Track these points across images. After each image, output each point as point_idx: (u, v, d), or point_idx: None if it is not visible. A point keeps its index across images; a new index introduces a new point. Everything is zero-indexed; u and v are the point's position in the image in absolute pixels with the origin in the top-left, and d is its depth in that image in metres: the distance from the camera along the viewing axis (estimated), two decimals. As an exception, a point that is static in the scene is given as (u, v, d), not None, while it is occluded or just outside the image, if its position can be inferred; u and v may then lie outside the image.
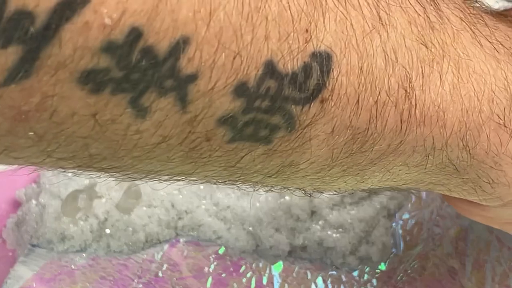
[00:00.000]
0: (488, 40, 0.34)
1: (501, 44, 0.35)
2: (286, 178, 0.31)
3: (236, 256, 0.50)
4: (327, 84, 0.28)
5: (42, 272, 0.49)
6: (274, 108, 0.28)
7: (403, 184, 0.35)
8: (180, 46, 0.25)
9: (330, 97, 0.29)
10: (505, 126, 0.34)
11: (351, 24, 0.29)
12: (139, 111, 0.25)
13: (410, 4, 0.31)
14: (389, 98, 0.30)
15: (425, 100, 0.31)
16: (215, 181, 0.31)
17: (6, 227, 0.51)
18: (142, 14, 0.24)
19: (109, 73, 0.24)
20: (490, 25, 0.35)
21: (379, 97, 0.30)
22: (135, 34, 0.24)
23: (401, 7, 0.31)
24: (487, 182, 0.35)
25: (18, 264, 0.49)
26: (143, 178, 0.29)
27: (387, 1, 0.30)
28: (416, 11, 0.31)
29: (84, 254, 0.49)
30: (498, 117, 0.34)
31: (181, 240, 0.50)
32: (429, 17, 0.32)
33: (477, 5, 0.36)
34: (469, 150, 0.34)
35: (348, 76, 0.29)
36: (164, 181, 0.30)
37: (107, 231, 0.50)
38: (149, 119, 0.26)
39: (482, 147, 0.34)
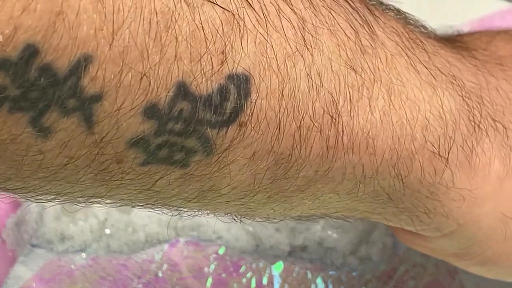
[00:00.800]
0: (425, 66, 0.33)
1: (440, 71, 0.34)
2: (207, 203, 0.30)
3: (236, 256, 0.50)
4: (245, 108, 0.27)
5: (42, 272, 0.49)
6: (189, 131, 0.27)
7: (335, 212, 0.34)
8: (81, 64, 0.24)
9: (249, 121, 0.28)
10: (439, 155, 0.33)
11: (272, 47, 0.28)
12: (40, 131, 0.24)
13: (340, 27, 0.30)
14: (314, 124, 0.29)
15: (353, 127, 0.30)
16: (133, 204, 0.30)
17: (6, 227, 0.51)
18: (37, 30, 0.23)
19: (5, 91, 0.23)
20: (430, 50, 0.34)
21: (302, 122, 0.29)
22: (31, 51, 0.23)
23: (330, 30, 0.30)
24: (423, 212, 0.34)
25: (18, 264, 0.49)
26: (54, 199, 0.28)
27: (314, 23, 0.29)
28: (346, 34, 0.30)
29: (84, 254, 0.49)
30: (433, 145, 0.33)
31: (181, 240, 0.50)
32: (360, 41, 0.31)
33: (420, 29, 0.35)
34: (402, 178, 0.32)
35: (268, 100, 0.28)
36: (80, 203, 0.29)
37: (107, 231, 0.49)
38: (52, 140, 0.25)
39: (416, 176, 0.33)
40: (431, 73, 0.33)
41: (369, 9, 0.32)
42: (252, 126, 0.28)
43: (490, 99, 0.35)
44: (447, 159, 0.33)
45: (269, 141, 0.29)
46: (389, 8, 0.35)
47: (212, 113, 0.27)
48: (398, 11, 0.35)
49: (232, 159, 0.28)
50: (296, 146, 0.29)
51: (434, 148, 0.33)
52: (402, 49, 0.32)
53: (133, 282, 0.48)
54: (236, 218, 0.34)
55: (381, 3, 0.35)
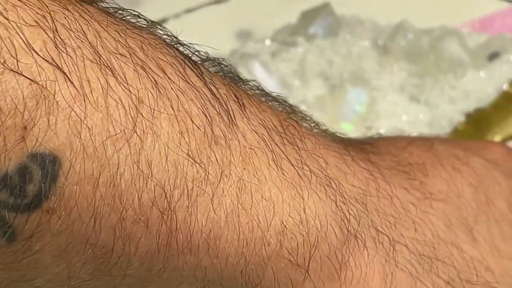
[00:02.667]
0: (292, 165, 0.30)
1: (312, 172, 0.30)
2: None
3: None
4: (51, 193, 0.24)
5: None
6: None
7: None
8: None
9: (57, 208, 0.25)
10: (298, 265, 0.29)
11: (89, 128, 0.25)
12: None
13: (188, 113, 0.27)
14: (140, 218, 0.26)
15: (191, 224, 0.27)
16: None
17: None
18: None
19: None
20: (307, 148, 0.31)
21: (125, 214, 0.26)
22: None
23: (174, 115, 0.27)
24: None
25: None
26: None
27: (152, 106, 0.26)
28: (194, 121, 0.27)
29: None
30: (290, 253, 0.29)
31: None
32: (212, 130, 0.28)
33: (308, 125, 0.33)
34: (253, 286, 0.29)
35: (81, 186, 0.25)
36: None
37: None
38: None
39: (269, 285, 0.29)
40: (298, 173, 0.30)
41: (238, 98, 0.30)
42: (61, 213, 0.25)
43: (379, 208, 0.32)
44: (307, 270, 0.29)
45: (84, 232, 0.25)
46: (276, 100, 0.33)
47: (9, 194, 0.24)
48: (284, 102, 0.33)
49: (40, 248, 0.25)
50: (118, 241, 0.26)
51: (291, 257, 0.29)
52: (267, 143, 0.29)
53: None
54: None
55: (267, 94, 0.33)
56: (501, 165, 0.36)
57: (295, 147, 0.31)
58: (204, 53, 0.33)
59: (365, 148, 0.35)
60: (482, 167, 0.35)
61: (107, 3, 0.29)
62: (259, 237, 0.28)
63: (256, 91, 0.32)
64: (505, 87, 0.58)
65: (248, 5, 0.67)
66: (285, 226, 0.29)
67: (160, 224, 0.26)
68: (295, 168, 0.30)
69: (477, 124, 0.56)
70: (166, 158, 0.26)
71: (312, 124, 0.34)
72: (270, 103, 0.32)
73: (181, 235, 0.27)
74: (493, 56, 0.57)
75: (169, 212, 0.27)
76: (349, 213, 0.31)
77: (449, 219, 0.33)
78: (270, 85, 0.53)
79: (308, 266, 0.29)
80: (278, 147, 0.30)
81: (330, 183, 0.31)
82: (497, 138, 0.55)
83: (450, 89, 0.56)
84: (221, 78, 0.31)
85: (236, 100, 0.30)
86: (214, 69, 0.32)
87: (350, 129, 0.52)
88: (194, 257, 0.27)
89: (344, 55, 0.57)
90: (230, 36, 0.65)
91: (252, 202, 0.28)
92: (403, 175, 0.34)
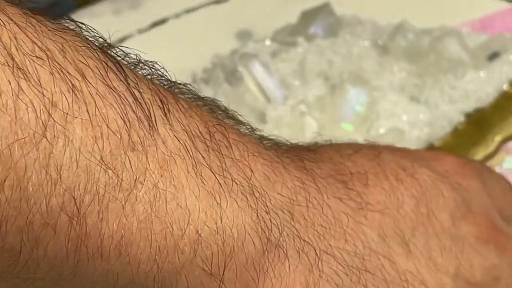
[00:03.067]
0: (214, 173, 0.30)
1: (234, 180, 0.30)
2: None
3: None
4: None
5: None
6: None
7: None
8: None
9: None
10: (212, 274, 0.29)
11: None
12: None
13: (104, 118, 0.27)
14: (48, 222, 0.26)
15: (101, 230, 0.27)
16: None
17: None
18: None
19: None
20: (234, 156, 0.31)
21: (32, 218, 0.26)
22: None
23: (89, 119, 0.27)
24: None
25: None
26: None
27: (66, 111, 0.26)
28: (110, 127, 0.27)
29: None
30: (204, 262, 0.29)
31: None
32: (130, 136, 0.28)
33: (242, 130, 0.33)
34: None
35: None
36: None
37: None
38: None
39: None
40: (219, 181, 0.29)
41: (163, 103, 0.30)
42: None
43: (307, 218, 0.32)
44: (222, 280, 0.29)
45: None
46: (210, 105, 0.33)
47: None
48: (218, 108, 0.33)
49: None
50: (25, 244, 0.26)
51: (205, 265, 0.29)
52: (188, 151, 0.29)
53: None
54: None
55: (201, 98, 0.33)
56: (449, 177, 0.36)
57: (220, 154, 0.30)
58: (135, 56, 0.32)
59: (304, 155, 0.34)
60: (428, 178, 0.35)
61: (33, 2, 0.28)
62: (173, 245, 0.28)
63: (188, 96, 0.32)
64: (505, 87, 0.58)
65: (248, 5, 0.67)
66: (200, 235, 0.28)
67: (69, 229, 0.26)
68: (216, 176, 0.30)
69: (477, 124, 0.56)
70: (77, 163, 0.26)
71: (247, 130, 0.34)
72: (202, 108, 0.32)
73: (91, 240, 0.27)
74: (493, 56, 0.57)
75: (79, 218, 0.26)
76: (271, 223, 0.30)
77: (384, 230, 0.33)
78: (270, 85, 0.53)
79: (223, 275, 0.29)
80: (201, 154, 0.30)
81: (254, 192, 0.30)
82: (497, 138, 0.55)
83: (450, 89, 0.56)
84: (149, 82, 0.30)
85: (160, 106, 0.29)
86: (144, 72, 0.32)
87: (350, 129, 0.52)
88: (105, 262, 0.27)
89: (344, 55, 0.57)
90: (230, 36, 0.65)
91: (167, 210, 0.28)
92: (339, 185, 0.33)
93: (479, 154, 0.54)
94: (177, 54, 0.63)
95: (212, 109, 0.33)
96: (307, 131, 0.51)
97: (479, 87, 0.57)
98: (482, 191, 0.36)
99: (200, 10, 0.67)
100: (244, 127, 0.34)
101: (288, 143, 0.35)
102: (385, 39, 0.58)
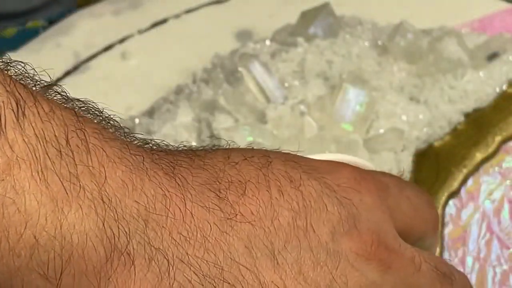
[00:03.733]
0: (62, 179, 0.29)
1: (83, 187, 0.30)
2: None
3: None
4: None
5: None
6: None
7: None
8: None
9: None
10: (48, 279, 0.29)
11: None
12: None
13: None
14: None
15: None
16: None
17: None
18: None
19: None
20: (90, 162, 0.30)
21: None
22: None
23: None
24: None
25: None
26: None
27: None
28: None
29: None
30: (40, 267, 0.29)
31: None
32: None
33: (118, 133, 0.33)
34: None
35: None
36: None
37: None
38: None
39: None
40: (65, 188, 0.29)
41: (19, 106, 0.29)
42: None
43: (165, 226, 0.32)
44: (59, 285, 0.29)
45: None
46: (80, 106, 0.33)
47: None
48: (88, 110, 0.33)
49: None
50: None
51: (41, 270, 0.29)
52: (36, 156, 0.29)
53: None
54: None
55: (70, 100, 0.32)
56: (339, 192, 0.35)
57: (72, 160, 0.30)
58: (7, 56, 0.32)
59: (179, 162, 0.33)
60: (313, 192, 0.34)
61: None
62: (8, 249, 0.28)
63: (57, 97, 0.32)
64: (505, 87, 0.58)
65: (248, 5, 0.67)
66: (37, 239, 0.29)
67: None
68: (62, 183, 0.29)
69: (477, 124, 0.56)
70: None
71: (120, 134, 0.33)
72: (68, 111, 0.32)
73: None
74: (493, 56, 0.57)
75: None
76: (120, 230, 0.30)
77: (252, 242, 0.32)
78: (270, 85, 0.53)
79: (60, 280, 0.29)
80: (50, 159, 0.29)
81: (103, 199, 0.30)
82: (498, 138, 0.55)
83: (450, 89, 0.56)
84: (10, 83, 0.30)
85: (15, 109, 0.29)
86: (13, 72, 0.31)
87: (349, 129, 0.52)
88: None
89: (343, 55, 0.57)
90: (230, 36, 0.65)
91: (4, 214, 0.28)
92: (211, 194, 0.33)
93: (479, 154, 0.54)
94: (177, 55, 0.64)
95: (83, 112, 0.32)
96: (307, 131, 0.51)
97: (479, 87, 0.57)
98: (376, 207, 0.35)
99: (200, 11, 0.67)
100: (117, 130, 0.34)
101: (169, 148, 0.35)
102: (385, 39, 0.58)
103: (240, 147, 0.37)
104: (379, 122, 0.54)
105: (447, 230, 0.50)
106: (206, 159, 0.34)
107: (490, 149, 0.54)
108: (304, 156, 0.38)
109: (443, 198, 0.52)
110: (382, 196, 0.36)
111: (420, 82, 0.56)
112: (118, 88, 0.61)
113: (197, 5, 0.67)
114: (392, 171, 0.51)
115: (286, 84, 0.54)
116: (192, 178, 0.33)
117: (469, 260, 0.49)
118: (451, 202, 0.52)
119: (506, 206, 0.51)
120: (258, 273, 0.32)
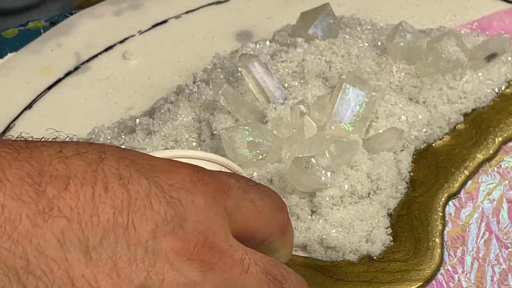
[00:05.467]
0: None
1: None
2: None
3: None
4: None
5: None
6: None
7: None
8: None
9: None
10: None
11: None
12: None
13: None
14: None
15: None
16: None
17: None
18: None
19: None
20: None
21: None
22: None
23: None
24: None
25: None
26: None
27: None
28: None
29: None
30: None
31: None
32: None
33: None
34: None
35: None
36: None
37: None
38: None
39: None
40: None
41: None
42: None
43: None
44: None
45: None
46: None
47: None
48: None
49: None
50: None
51: None
52: None
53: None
54: None
55: None
56: (169, 192, 0.35)
57: None
58: None
59: (0, 153, 0.34)
60: (142, 190, 0.34)
61: None
62: None
63: None
64: (503, 87, 0.58)
65: (248, 6, 0.67)
66: None
67: None
68: None
69: (476, 124, 0.56)
70: None
71: None
72: None
73: None
74: (491, 57, 0.58)
75: None
76: None
77: (66, 236, 0.33)
78: (270, 86, 0.54)
79: None
80: None
81: None
82: (498, 139, 0.55)
83: (449, 89, 0.56)
84: None
85: None
86: None
87: (349, 129, 0.52)
88: None
89: (343, 55, 0.57)
90: (230, 37, 0.65)
91: None
92: (28, 187, 0.33)
93: (481, 156, 0.54)
94: (178, 55, 0.64)
95: None
96: (307, 131, 0.51)
97: (478, 88, 0.57)
98: (208, 209, 0.35)
99: (200, 11, 0.67)
100: None
101: (3, 139, 0.35)
102: (384, 40, 0.58)
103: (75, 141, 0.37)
104: (379, 122, 0.54)
105: (446, 229, 0.50)
106: (34, 152, 0.34)
107: (491, 151, 0.54)
108: (153, 153, 0.38)
109: (443, 199, 0.52)
110: (218, 198, 0.36)
111: (419, 83, 0.57)
112: (119, 88, 0.61)
113: (197, 6, 0.68)
114: (391, 171, 0.51)
115: (286, 84, 0.55)
116: (12, 171, 0.33)
117: (468, 259, 0.49)
118: (450, 201, 0.52)
119: (505, 205, 0.52)
120: (68, 267, 0.33)
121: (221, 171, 0.38)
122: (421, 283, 0.48)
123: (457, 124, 0.56)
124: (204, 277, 0.34)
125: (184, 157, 0.40)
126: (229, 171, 0.41)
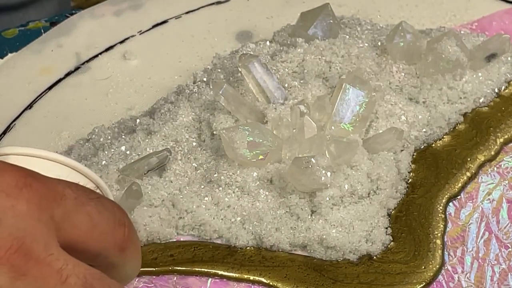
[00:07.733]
0: None
1: None
2: None
3: (237, 255, 0.50)
4: None
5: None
6: None
7: None
8: None
9: None
10: None
11: None
12: None
13: None
14: None
15: None
16: None
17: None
18: None
19: None
20: None
21: None
22: None
23: None
24: None
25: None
26: None
27: None
28: None
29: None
30: None
31: (182, 239, 0.51)
32: None
33: None
34: None
35: None
36: None
37: (109, 230, 0.50)
38: None
39: None
40: None
41: None
42: None
43: None
44: None
45: None
46: None
47: None
48: None
49: None
50: None
51: None
52: None
53: (134, 281, 0.49)
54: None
55: None
56: None
57: None
58: None
59: None
60: None
61: None
62: None
63: None
64: (503, 88, 0.58)
65: (248, 6, 0.67)
66: None
67: None
68: None
69: (476, 125, 0.56)
70: None
71: None
72: None
73: None
74: (491, 57, 0.58)
75: None
76: None
77: None
78: (270, 86, 0.54)
79: None
80: None
81: None
82: (500, 140, 0.55)
83: (449, 89, 0.56)
84: None
85: None
86: None
87: (349, 129, 0.52)
88: None
89: (343, 56, 0.57)
90: (230, 37, 0.65)
91: None
92: None
93: (482, 157, 0.54)
94: (178, 55, 0.64)
95: None
96: (307, 131, 0.51)
97: (477, 88, 0.57)
98: (30, 215, 0.35)
99: (200, 11, 0.67)
100: None
101: None
102: (384, 40, 0.58)
103: None
104: (379, 122, 0.54)
105: (446, 229, 0.51)
106: None
107: (493, 152, 0.54)
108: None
109: (444, 201, 0.52)
110: (44, 206, 0.35)
111: (419, 83, 0.57)
112: (119, 89, 0.61)
113: (198, 6, 0.68)
114: (391, 171, 0.51)
115: (286, 85, 0.55)
116: None
117: (468, 259, 0.49)
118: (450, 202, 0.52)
119: (505, 205, 0.52)
120: None
121: (58, 179, 0.37)
122: (422, 285, 0.48)
123: (457, 124, 0.56)
124: (13, 283, 0.34)
125: (36, 156, 0.39)
126: (83, 175, 0.40)
